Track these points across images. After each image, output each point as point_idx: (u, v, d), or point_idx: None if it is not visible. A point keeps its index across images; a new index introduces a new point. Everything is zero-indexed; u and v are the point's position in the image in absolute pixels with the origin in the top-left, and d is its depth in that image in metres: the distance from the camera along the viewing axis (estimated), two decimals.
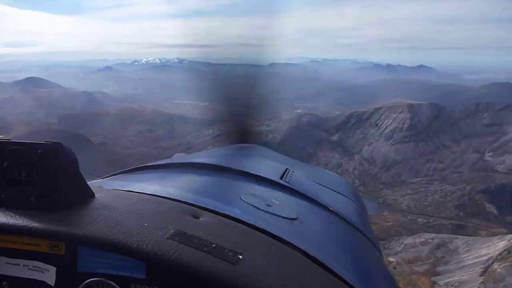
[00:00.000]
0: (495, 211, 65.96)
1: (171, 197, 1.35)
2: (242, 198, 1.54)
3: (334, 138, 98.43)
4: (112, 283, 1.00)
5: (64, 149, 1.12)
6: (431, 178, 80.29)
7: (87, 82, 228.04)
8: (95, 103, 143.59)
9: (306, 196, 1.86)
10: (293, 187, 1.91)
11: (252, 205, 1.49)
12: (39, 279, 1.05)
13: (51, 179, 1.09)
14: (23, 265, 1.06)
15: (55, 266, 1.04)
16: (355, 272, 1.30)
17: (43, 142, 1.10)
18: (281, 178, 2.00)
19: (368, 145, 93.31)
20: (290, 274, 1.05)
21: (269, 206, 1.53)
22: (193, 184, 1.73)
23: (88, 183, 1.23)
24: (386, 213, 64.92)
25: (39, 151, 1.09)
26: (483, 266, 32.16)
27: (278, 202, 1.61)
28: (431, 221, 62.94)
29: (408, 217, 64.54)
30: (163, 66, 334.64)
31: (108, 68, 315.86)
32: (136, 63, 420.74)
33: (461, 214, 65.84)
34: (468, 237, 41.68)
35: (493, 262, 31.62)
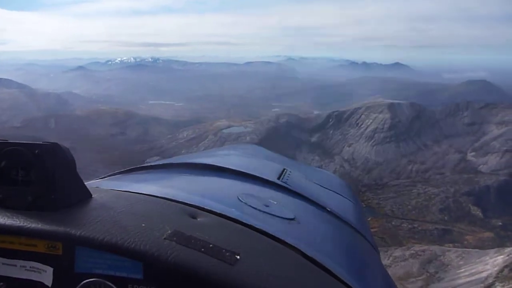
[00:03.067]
0: (480, 214, 64.30)
1: (169, 197, 1.36)
2: (239, 198, 1.54)
3: (314, 139, 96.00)
4: (110, 283, 1.00)
5: (61, 149, 1.13)
6: (414, 180, 78.32)
7: (58, 82, 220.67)
8: (65, 104, 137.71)
9: (304, 197, 1.87)
10: (290, 187, 1.92)
11: (249, 205, 1.49)
12: (36, 279, 1.04)
13: (48, 180, 1.09)
14: (20, 266, 1.05)
15: (52, 266, 1.04)
16: (353, 272, 1.32)
17: (41, 143, 1.11)
18: (278, 178, 2.00)
19: (349, 146, 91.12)
20: (287, 274, 1.06)
21: (267, 206, 1.53)
22: (191, 184, 1.77)
23: (85, 183, 1.24)
24: (370, 218, 62.46)
25: (36, 151, 1.09)
26: (482, 285, 29.49)
27: (275, 203, 1.63)
28: (416, 226, 60.83)
29: (393, 223, 62.34)
30: (137, 65, 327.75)
31: (80, 67, 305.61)
32: (110, 62, 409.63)
33: (446, 218, 63.86)
34: (461, 249, 39.23)
35: (494, 282, 29.01)
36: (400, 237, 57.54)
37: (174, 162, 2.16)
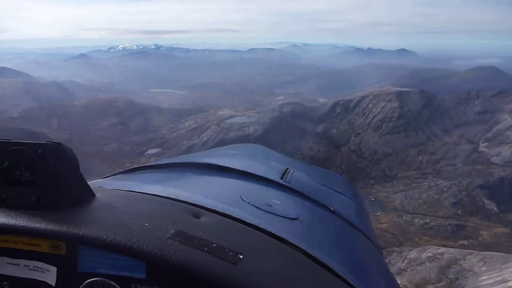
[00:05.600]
0: (495, 208, 61.29)
1: (172, 197, 1.37)
2: (242, 198, 1.56)
3: (319, 129, 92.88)
4: (113, 283, 1.01)
5: (65, 149, 1.14)
6: (424, 172, 75.38)
7: (59, 71, 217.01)
8: (65, 93, 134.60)
9: (307, 196, 1.91)
10: (293, 187, 1.95)
11: (252, 205, 1.51)
12: (40, 279, 1.06)
13: (51, 179, 1.10)
14: (24, 265, 1.07)
15: (55, 266, 1.05)
16: (356, 272, 1.34)
17: (44, 142, 1.11)
18: (281, 178, 2.04)
19: (356, 136, 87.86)
20: (290, 274, 1.07)
21: (270, 206, 1.56)
22: (194, 184, 1.81)
23: (88, 183, 1.25)
24: (379, 213, 59.87)
25: (39, 151, 1.10)
26: None
27: (278, 202, 1.65)
28: (428, 221, 57.98)
29: (404, 218, 59.48)
30: (140, 52, 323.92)
31: (82, 55, 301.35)
32: (112, 49, 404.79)
33: (459, 212, 60.93)
34: (483, 252, 36.25)
35: None
36: (412, 233, 54.75)
37: (176, 161, 2.17)
